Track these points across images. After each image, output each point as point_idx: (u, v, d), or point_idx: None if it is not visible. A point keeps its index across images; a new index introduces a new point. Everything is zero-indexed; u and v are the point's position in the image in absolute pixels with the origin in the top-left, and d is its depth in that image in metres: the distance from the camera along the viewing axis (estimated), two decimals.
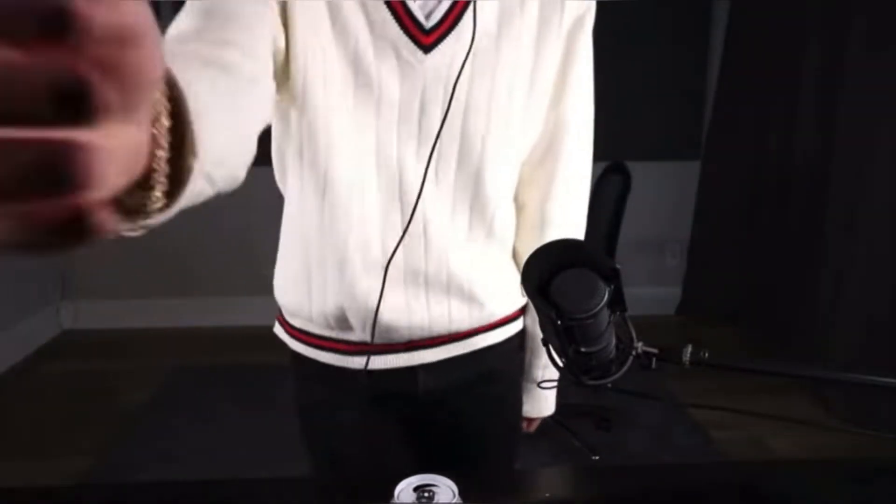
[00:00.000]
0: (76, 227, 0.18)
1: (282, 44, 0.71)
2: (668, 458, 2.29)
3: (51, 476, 2.19)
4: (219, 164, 0.42)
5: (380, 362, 0.86)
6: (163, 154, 0.28)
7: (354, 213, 0.78)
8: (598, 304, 0.49)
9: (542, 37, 0.81)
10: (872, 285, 2.48)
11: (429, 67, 0.76)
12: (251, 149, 0.53)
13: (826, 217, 2.69)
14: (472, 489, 0.62)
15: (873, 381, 0.54)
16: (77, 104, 0.17)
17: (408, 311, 0.83)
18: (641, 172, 2.55)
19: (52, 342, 3.31)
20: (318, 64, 0.73)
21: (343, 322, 0.84)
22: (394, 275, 0.81)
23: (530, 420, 1.03)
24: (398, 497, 0.60)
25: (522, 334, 0.96)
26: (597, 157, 0.93)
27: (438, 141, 0.77)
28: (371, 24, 0.74)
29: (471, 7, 0.76)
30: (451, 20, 0.76)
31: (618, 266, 0.50)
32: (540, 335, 0.82)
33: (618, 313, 0.52)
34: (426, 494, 0.60)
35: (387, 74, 0.76)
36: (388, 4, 0.74)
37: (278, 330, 0.95)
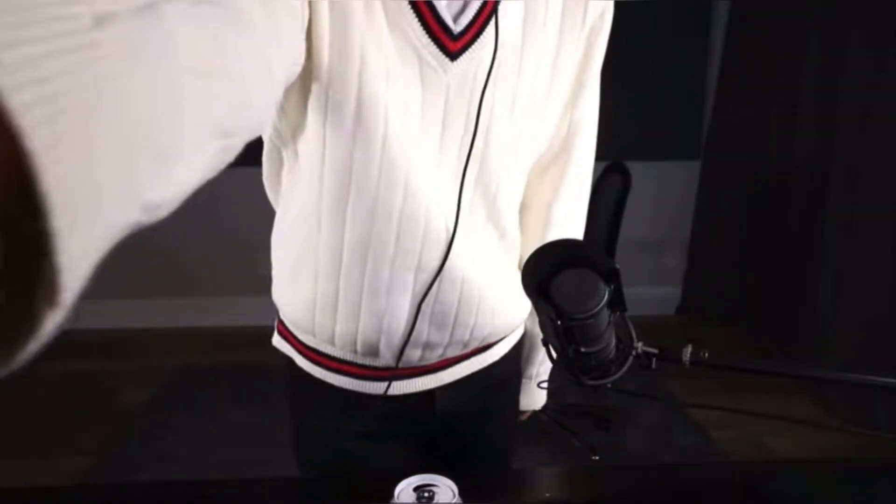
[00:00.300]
0: None
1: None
2: (667, 457, 2.29)
3: (51, 476, 2.19)
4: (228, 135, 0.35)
5: (400, 387, 0.83)
6: None
7: (391, 243, 0.73)
8: (598, 305, 0.49)
9: (563, 37, 0.75)
10: (872, 285, 2.48)
11: (453, 76, 0.69)
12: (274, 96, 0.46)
13: (826, 217, 2.70)
14: (472, 489, 0.62)
15: (873, 381, 0.54)
16: None
17: (440, 337, 0.80)
18: (641, 172, 2.55)
19: (52, 342, 3.31)
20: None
21: (371, 348, 0.79)
22: (425, 308, 0.77)
23: (523, 412, 1.03)
24: (398, 497, 0.60)
25: (524, 337, 0.96)
26: (597, 156, 0.91)
27: (468, 168, 0.72)
28: (391, 24, 0.66)
29: (497, 10, 0.68)
30: (479, 24, 0.68)
31: (617, 266, 0.50)
32: (539, 335, 0.83)
33: (617, 313, 0.52)
34: (426, 494, 0.60)
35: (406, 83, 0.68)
36: (413, 4, 0.66)
37: (281, 344, 0.89)
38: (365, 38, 0.64)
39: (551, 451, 2.29)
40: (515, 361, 0.96)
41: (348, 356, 0.81)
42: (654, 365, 0.55)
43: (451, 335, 0.81)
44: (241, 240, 3.19)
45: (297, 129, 0.72)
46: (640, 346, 0.55)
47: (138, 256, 3.15)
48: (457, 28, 0.67)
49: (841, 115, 2.62)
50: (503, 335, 0.89)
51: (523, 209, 0.88)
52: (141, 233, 0.30)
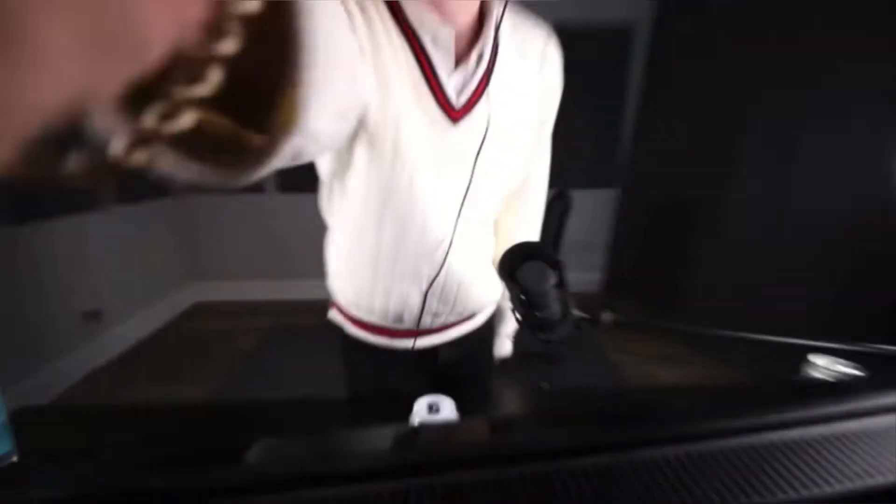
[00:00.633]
0: None
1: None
2: (594, 384, 2.27)
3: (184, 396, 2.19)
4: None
5: (420, 343, 0.83)
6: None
7: (411, 248, 0.72)
8: (549, 284, 0.50)
9: (542, 92, 0.71)
10: (742, 269, 2.45)
11: (456, 135, 0.66)
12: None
13: (704, 228, 2.66)
14: (466, 405, 0.62)
15: (741, 336, 0.52)
16: None
17: (444, 309, 0.80)
18: (579, 196, 2.52)
19: (188, 309, 3.32)
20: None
21: (399, 317, 0.79)
22: (435, 291, 0.77)
23: (498, 357, 1.02)
24: (417, 407, 0.61)
25: (498, 308, 0.97)
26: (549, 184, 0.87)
27: (467, 195, 0.70)
28: (416, 100, 0.63)
29: (486, 92, 0.63)
30: (474, 99, 0.65)
31: (562, 259, 0.51)
32: (508, 306, 0.83)
33: (562, 290, 0.53)
34: (434, 407, 0.61)
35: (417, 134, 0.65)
36: (426, 79, 0.62)
37: (335, 317, 0.86)
38: (399, 109, 0.62)
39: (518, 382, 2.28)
40: (492, 324, 0.96)
41: (383, 323, 0.80)
42: (584, 326, 0.55)
43: (452, 308, 0.81)
44: (318, 244, 3.18)
45: (346, 168, 0.70)
46: (576, 312, 0.55)
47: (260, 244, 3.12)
48: (458, 104, 0.65)
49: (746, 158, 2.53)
50: (484, 307, 0.89)
51: (499, 223, 0.87)
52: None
